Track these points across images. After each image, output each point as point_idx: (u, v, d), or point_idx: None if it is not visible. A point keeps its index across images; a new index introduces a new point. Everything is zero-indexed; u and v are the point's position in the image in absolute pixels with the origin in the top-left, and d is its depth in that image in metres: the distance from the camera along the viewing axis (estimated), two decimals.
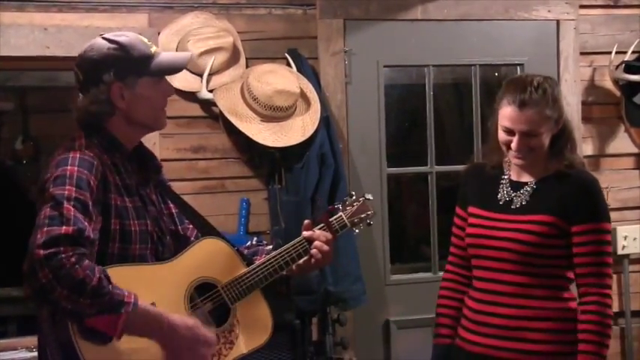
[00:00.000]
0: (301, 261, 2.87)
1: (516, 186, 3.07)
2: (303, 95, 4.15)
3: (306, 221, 2.94)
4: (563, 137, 3.04)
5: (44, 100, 5.73)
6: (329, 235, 2.90)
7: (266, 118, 4.07)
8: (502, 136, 3.01)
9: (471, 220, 3.14)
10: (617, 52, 4.68)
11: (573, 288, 3.04)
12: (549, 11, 4.65)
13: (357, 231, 3.04)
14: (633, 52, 4.69)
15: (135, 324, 2.39)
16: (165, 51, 3.32)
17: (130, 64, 2.60)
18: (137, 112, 2.64)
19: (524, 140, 2.96)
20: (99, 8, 4.08)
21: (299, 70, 4.23)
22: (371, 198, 3.06)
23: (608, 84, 4.75)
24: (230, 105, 4.06)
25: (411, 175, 4.97)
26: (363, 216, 3.01)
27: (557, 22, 4.66)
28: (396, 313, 4.51)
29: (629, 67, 4.65)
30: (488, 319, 3.04)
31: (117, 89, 2.59)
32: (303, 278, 3.29)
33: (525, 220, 2.98)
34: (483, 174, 3.17)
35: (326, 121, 4.20)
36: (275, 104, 4.04)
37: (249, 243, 3.09)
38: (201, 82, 4.06)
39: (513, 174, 3.10)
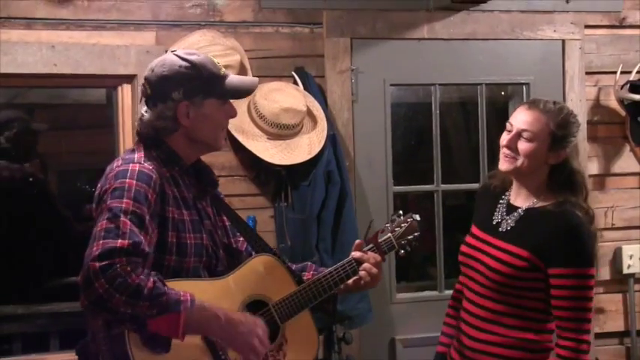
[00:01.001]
0: (350, 281, 2.90)
1: (510, 209, 3.07)
2: (309, 113, 4.16)
3: (357, 241, 2.96)
4: (563, 174, 2.99)
5: (51, 118, 5.74)
6: (378, 257, 2.93)
7: (273, 136, 4.08)
8: (503, 136, 3.03)
9: (467, 238, 3.17)
10: (622, 72, 4.69)
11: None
12: (555, 31, 4.66)
13: (402, 252, 3.03)
14: (638, 72, 4.70)
15: (194, 322, 2.42)
16: None
17: (199, 84, 2.63)
18: (200, 132, 2.67)
19: (516, 139, 2.97)
20: (106, 26, 4.10)
21: (306, 88, 4.24)
22: (419, 219, 3.06)
23: (614, 103, 4.76)
24: (237, 123, 4.07)
25: (418, 194, 4.97)
26: (410, 237, 3.01)
27: (563, 41, 4.68)
28: (402, 331, 4.50)
29: (634, 87, 4.65)
30: (461, 337, 3.07)
31: (184, 107, 2.62)
32: None
33: (503, 248, 2.97)
34: (488, 194, 3.19)
35: (332, 139, 4.21)
36: (282, 122, 4.05)
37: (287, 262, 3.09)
38: None
39: (512, 196, 3.10)
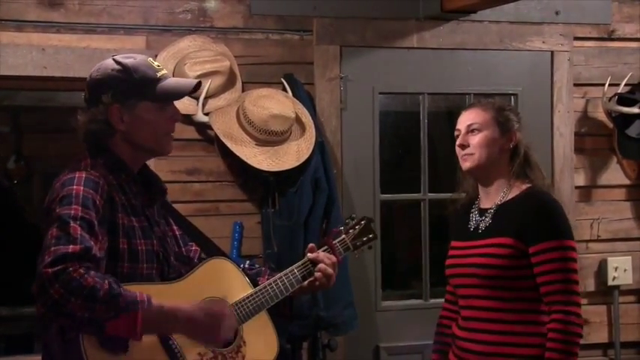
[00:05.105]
0: (305, 283, 2.91)
1: (482, 212, 3.14)
2: (298, 120, 4.17)
3: (310, 245, 2.97)
4: (519, 156, 3.10)
5: (38, 120, 5.73)
6: (333, 258, 2.94)
7: (261, 142, 4.08)
8: (456, 143, 3.15)
9: (450, 252, 3.22)
10: (610, 85, 4.71)
11: None
12: (544, 42, 4.69)
13: (357, 255, 3.10)
14: (626, 85, 4.72)
15: (152, 321, 2.41)
16: None
17: (130, 87, 2.60)
18: (138, 136, 2.64)
19: (466, 137, 3.10)
20: (97, 30, 4.10)
21: (295, 95, 4.25)
22: (372, 220, 3.13)
23: (601, 115, 4.78)
24: (225, 128, 4.08)
25: (404, 202, 4.97)
26: (364, 239, 3.07)
27: (552, 53, 4.70)
28: (387, 339, 4.50)
29: (622, 100, 4.68)
30: (469, 345, 3.07)
31: (115, 111, 2.60)
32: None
33: (487, 243, 3.03)
34: (458, 208, 3.28)
35: (320, 146, 4.22)
36: (270, 128, 4.06)
37: (242, 266, 3.11)
38: (197, 105, 4.07)
39: (482, 201, 3.18)
